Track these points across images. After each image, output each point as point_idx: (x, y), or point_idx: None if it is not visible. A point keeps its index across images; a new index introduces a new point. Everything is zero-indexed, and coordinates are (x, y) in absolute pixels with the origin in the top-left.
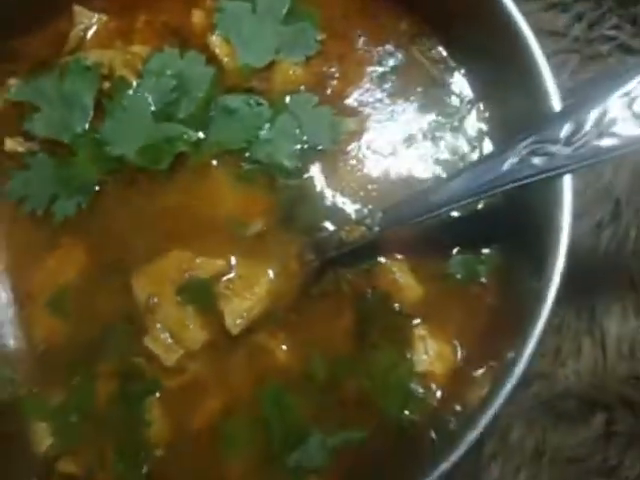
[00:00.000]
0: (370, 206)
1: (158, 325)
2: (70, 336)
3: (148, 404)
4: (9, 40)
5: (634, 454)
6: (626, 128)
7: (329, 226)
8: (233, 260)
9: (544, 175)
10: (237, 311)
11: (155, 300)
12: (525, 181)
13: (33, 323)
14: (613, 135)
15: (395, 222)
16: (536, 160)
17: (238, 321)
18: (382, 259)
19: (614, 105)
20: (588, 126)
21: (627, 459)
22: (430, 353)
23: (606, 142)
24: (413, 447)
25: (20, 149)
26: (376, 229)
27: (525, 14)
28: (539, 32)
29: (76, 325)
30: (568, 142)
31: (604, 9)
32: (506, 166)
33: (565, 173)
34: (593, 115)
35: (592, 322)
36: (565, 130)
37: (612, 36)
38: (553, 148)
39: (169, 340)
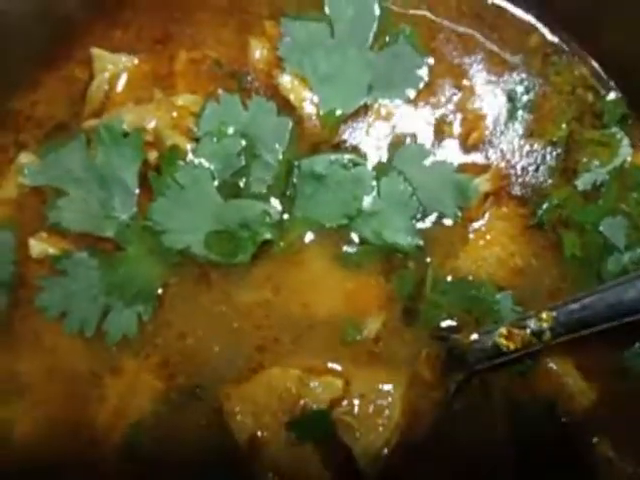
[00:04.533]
0: (511, 291)
1: (269, 473)
2: None
3: None
4: (9, 100)
5: None
6: None
7: (461, 320)
8: (344, 370)
9: None
10: (371, 449)
11: (260, 436)
12: None
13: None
14: None
15: (573, 328)
16: None
17: (375, 462)
18: (541, 358)
19: None
20: None
21: None
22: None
23: None
24: None
25: (51, 250)
26: (547, 337)
27: None
28: None
29: (160, 476)
30: None
31: None
32: None
33: None
34: None
35: None
36: None
37: None
38: None
39: None
